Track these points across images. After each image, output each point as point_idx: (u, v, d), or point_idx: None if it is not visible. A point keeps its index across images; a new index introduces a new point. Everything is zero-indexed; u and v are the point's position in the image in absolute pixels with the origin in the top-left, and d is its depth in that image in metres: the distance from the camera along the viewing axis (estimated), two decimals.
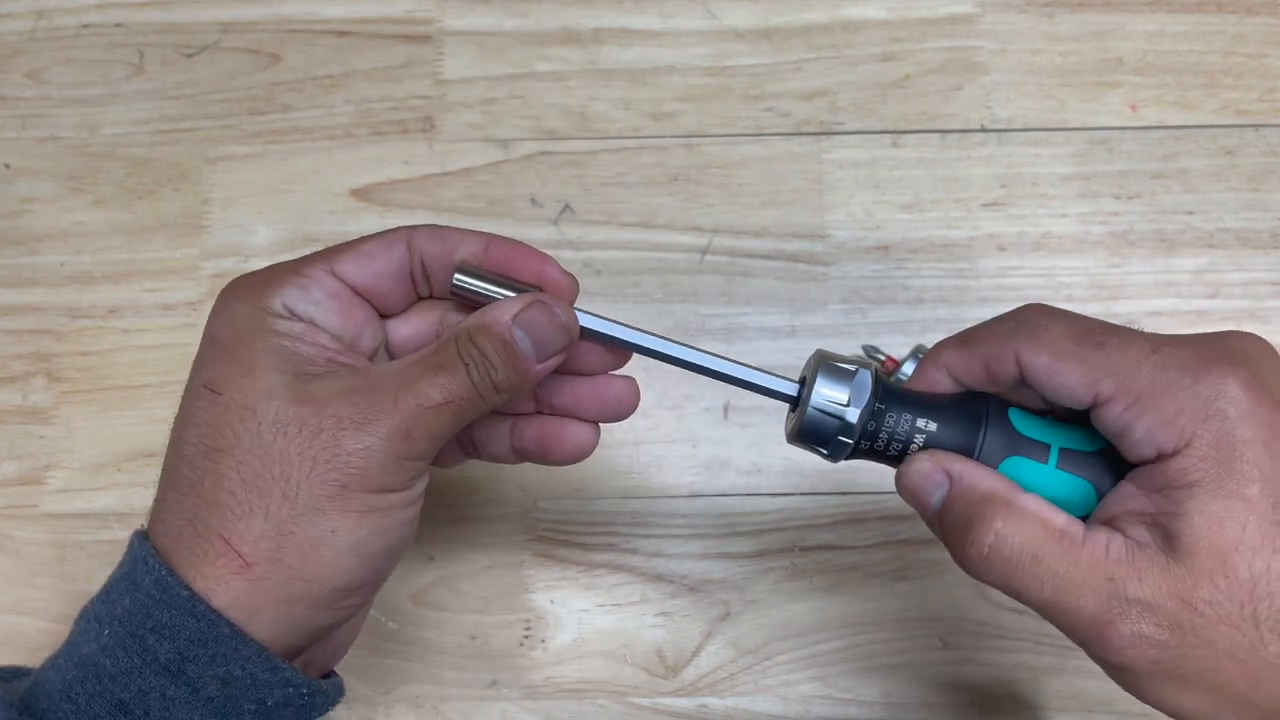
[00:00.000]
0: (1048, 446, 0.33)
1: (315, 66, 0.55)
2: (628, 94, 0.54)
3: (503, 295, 0.34)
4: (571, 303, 0.35)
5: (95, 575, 0.49)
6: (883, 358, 0.50)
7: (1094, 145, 0.54)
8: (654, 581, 0.49)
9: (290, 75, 0.55)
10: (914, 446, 0.33)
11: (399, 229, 0.35)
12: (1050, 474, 0.33)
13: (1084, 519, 0.32)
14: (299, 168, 0.53)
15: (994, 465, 0.33)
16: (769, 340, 0.51)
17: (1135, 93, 0.54)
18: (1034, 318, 0.33)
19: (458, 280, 0.34)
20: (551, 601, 0.49)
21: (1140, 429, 0.30)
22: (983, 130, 0.54)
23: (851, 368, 0.34)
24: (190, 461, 0.31)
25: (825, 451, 0.34)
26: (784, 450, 0.50)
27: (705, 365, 0.35)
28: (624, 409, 0.37)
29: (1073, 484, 0.32)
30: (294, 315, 0.33)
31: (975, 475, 0.32)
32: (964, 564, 0.32)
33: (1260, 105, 0.54)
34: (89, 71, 0.55)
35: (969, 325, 0.34)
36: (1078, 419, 0.33)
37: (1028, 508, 0.31)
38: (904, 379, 0.48)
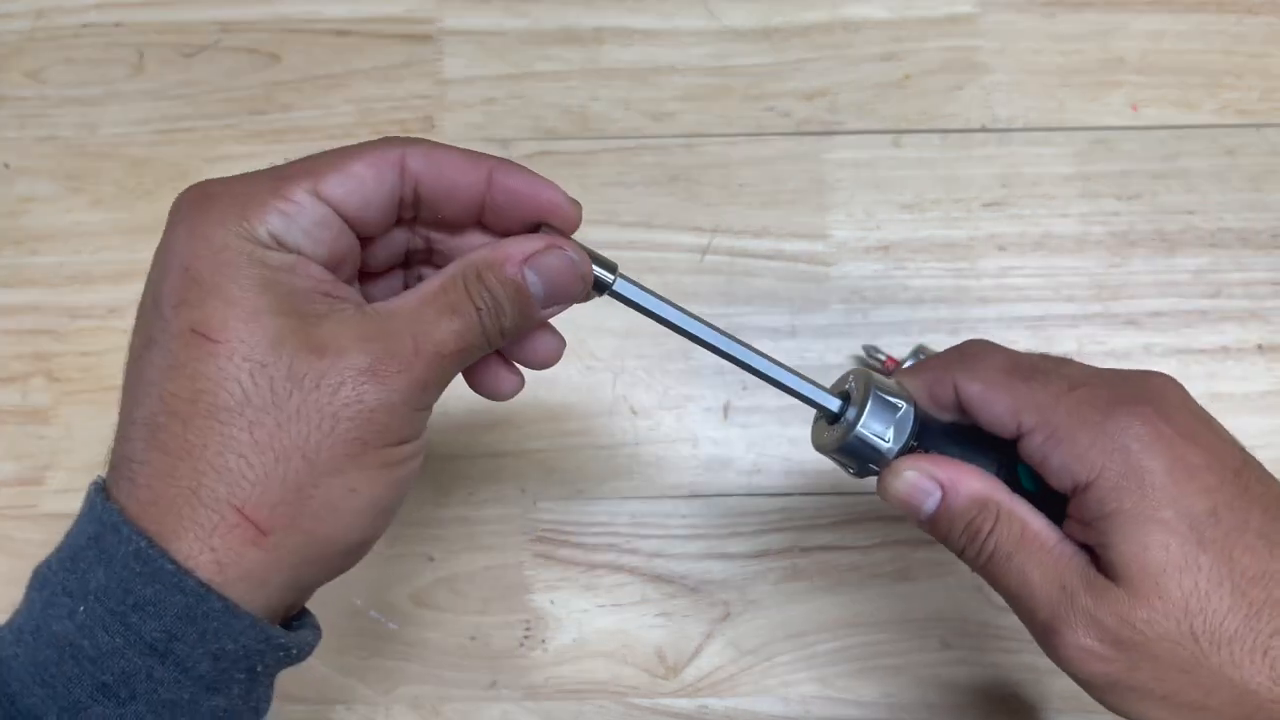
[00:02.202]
0: None
1: (315, 66, 0.55)
2: (628, 94, 0.54)
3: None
4: (575, 227, 0.33)
5: None
6: (883, 358, 0.50)
7: (1095, 145, 0.54)
8: (654, 581, 0.49)
9: (290, 75, 0.54)
10: None
11: (388, 144, 0.31)
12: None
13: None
14: None
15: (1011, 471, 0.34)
16: (769, 340, 0.51)
17: (1136, 92, 0.54)
18: (975, 349, 0.35)
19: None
20: (551, 602, 0.49)
21: (1056, 460, 0.32)
22: (983, 130, 0.54)
23: (899, 403, 0.34)
24: (186, 420, 0.28)
25: (853, 470, 0.36)
26: (784, 450, 0.50)
27: (747, 362, 0.35)
28: (551, 358, 0.35)
29: None
30: (281, 246, 0.29)
31: (964, 480, 0.34)
32: (968, 562, 0.34)
33: (1261, 105, 0.54)
34: (88, 71, 0.55)
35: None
36: None
37: (1014, 510, 0.33)
38: None
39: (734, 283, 0.52)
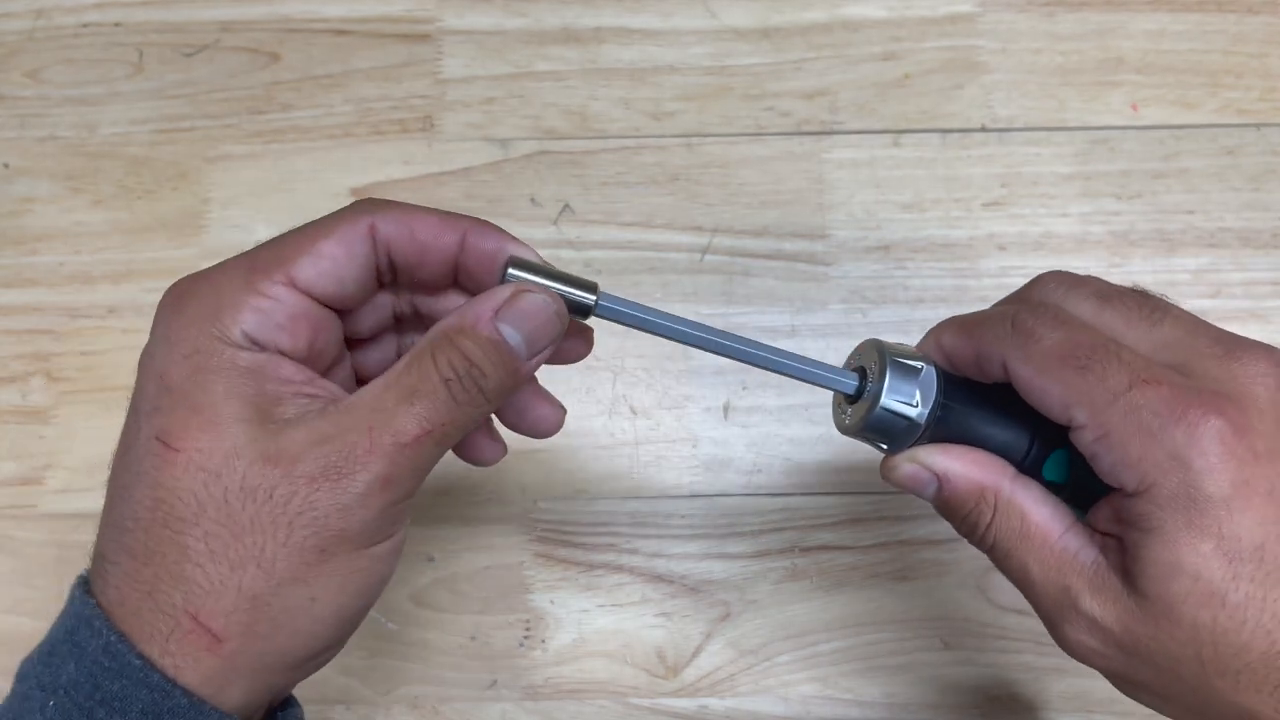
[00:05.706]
0: None
1: (314, 66, 0.55)
2: (628, 93, 0.54)
3: (561, 290, 0.31)
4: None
5: None
6: None
7: (1095, 145, 0.54)
8: (654, 582, 0.49)
9: (289, 74, 0.54)
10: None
11: (357, 213, 0.31)
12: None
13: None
14: (299, 167, 0.53)
15: (1045, 455, 0.33)
16: (769, 340, 0.51)
17: (1136, 92, 0.54)
18: (1031, 320, 0.31)
19: (512, 274, 0.31)
20: (551, 602, 0.49)
21: (1105, 462, 0.30)
22: (983, 130, 0.54)
23: (917, 365, 0.33)
24: (147, 527, 0.28)
25: (885, 446, 0.34)
26: (784, 450, 0.50)
27: (750, 357, 0.33)
28: (551, 429, 0.35)
29: None
30: (256, 344, 0.29)
31: (963, 471, 0.33)
32: (973, 543, 0.34)
33: (1261, 105, 0.54)
34: (88, 71, 0.55)
35: None
36: None
37: (1013, 501, 0.32)
38: None
39: (734, 283, 0.52)
